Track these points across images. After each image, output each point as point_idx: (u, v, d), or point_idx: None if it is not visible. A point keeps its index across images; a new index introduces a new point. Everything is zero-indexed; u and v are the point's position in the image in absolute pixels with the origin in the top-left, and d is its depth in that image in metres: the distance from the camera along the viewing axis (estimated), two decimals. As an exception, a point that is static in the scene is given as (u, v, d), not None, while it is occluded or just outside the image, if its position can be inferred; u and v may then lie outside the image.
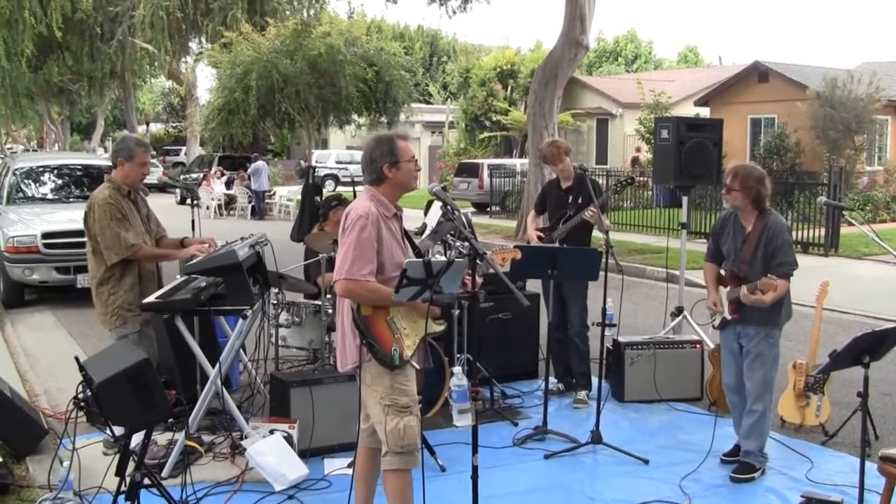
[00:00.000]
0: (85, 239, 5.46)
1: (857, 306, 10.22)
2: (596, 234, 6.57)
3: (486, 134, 34.70)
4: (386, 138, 4.05)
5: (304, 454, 5.12)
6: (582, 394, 6.58)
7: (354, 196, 4.54)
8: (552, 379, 6.54)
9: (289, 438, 5.07)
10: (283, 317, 6.35)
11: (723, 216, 5.44)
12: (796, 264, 5.08)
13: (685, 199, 7.92)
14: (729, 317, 5.20)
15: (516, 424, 6.05)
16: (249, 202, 25.54)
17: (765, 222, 5.06)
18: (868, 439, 4.69)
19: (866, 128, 21.55)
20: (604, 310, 6.09)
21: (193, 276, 5.35)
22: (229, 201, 26.31)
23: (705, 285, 5.48)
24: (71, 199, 11.85)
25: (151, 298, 5.18)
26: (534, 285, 7.02)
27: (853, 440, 5.60)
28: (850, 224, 5.98)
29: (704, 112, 24.59)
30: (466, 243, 4.00)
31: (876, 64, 26.46)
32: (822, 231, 15.00)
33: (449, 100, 43.05)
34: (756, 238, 5.06)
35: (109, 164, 6.48)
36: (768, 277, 4.82)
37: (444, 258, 4.73)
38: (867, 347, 3.97)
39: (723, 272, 5.35)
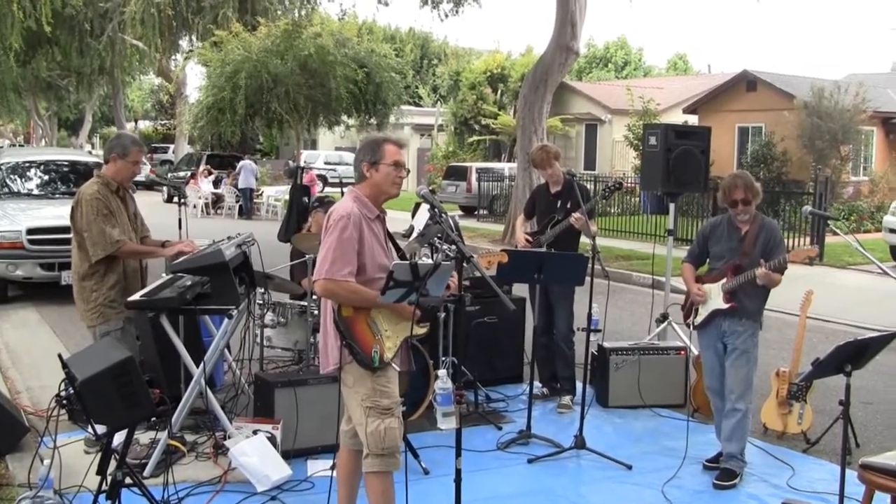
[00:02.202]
0: (70, 235, 5.43)
1: (840, 315, 10.29)
2: (583, 239, 6.59)
3: (475, 137, 34.69)
4: (377, 139, 4.04)
5: (288, 455, 5.11)
6: (566, 399, 6.59)
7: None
8: (537, 383, 6.55)
9: (272, 439, 5.06)
10: (269, 317, 6.35)
11: (713, 221, 5.54)
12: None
13: (672, 206, 7.94)
14: (725, 306, 5.24)
15: (500, 428, 6.05)
16: (237, 201, 25.47)
17: (760, 223, 5.27)
18: (849, 447, 4.73)
19: (852, 138, 21.70)
20: (589, 315, 6.11)
21: (179, 274, 5.33)
22: (217, 200, 26.22)
23: (684, 283, 5.54)
24: (57, 195, 11.74)
25: (136, 296, 5.16)
26: (520, 289, 7.02)
27: (834, 448, 5.64)
28: (835, 234, 6.05)
29: (693, 120, 24.65)
30: (453, 246, 3.98)
31: (862, 75, 26.69)
32: (808, 240, 15.10)
33: (438, 103, 43.05)
34: (754, 236, 5.23)
35: (96, 160, 6.46)
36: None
37: (430, 261, 4.73)
38: (849, 356, 4.00)
39: (707, 276, 5.41)
